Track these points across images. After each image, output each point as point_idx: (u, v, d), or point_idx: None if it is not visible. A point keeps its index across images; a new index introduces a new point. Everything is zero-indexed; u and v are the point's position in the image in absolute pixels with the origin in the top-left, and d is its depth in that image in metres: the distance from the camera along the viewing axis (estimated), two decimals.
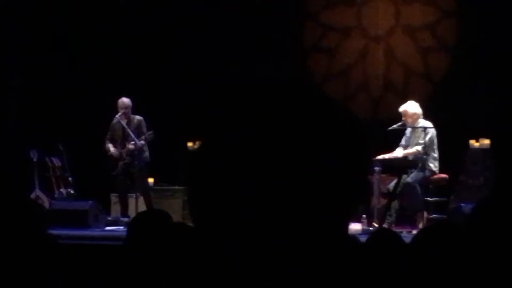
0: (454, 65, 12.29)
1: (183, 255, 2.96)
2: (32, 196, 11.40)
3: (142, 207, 10.64)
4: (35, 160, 11.83)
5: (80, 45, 13.09)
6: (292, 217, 1.14)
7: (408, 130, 10.34)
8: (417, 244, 2.74)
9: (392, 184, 9.99)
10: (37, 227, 3.43)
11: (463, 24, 12.27)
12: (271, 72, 12.00)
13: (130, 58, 12.85)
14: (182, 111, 12.40)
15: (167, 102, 12.65)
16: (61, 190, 12.02)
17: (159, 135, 10.89)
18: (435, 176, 10.19)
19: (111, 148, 10.94)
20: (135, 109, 11.07)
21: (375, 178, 9.84)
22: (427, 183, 10.16)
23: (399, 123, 10.22)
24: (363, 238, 3.93)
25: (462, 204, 9.30)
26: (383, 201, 10.05)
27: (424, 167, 10.01)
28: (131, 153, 10.82)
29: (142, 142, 10.79)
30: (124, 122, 10.88)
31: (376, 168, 9.82)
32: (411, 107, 10.23)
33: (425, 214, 10.03)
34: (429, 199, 10.22)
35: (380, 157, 10.09)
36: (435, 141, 10.16)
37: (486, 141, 10.61)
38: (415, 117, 10.18)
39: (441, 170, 10.25)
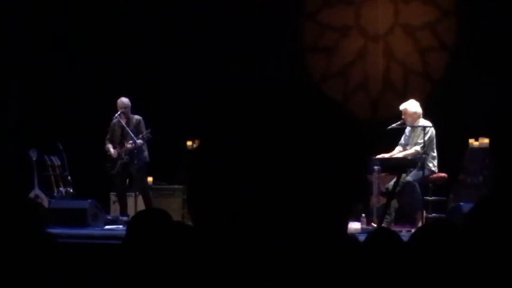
0: (453, 64, 12.29)
1: (182, 255, 2.96)
2: (32, 195, 11.41)
3: (141, 206, 10.65)
4: (34, 159, 11.83)
5: (79, 44, 13.09)
6: (291, 216, 1.15)
7: (408, 129, 10.34)
8: (414, 243, 2.74)
9: (391, 183, 9.99)
10: (36, 226, 3.43)
11: (462, 23, 12.27)
12: (270, 71, 12.00)
13: (130, 58, 12.85)
14: (181, 110, 12.40)
15: (166, 101, 12.64)
16: (60, 189, 12.03)
17: (158, 134, 10.90)
18: (434, 175, 10.19)
19: (111, 149, 10.96)
20: (135, 109, 11.07)
21: (374, 177, 9.84)
22: (426, 182, 10.16)
23: (399, 122, 10.21)
24: (362, 237, 3.93)
25: (461, 203, 9.30)
26: (382, 200, 10.05)
27: (423, 166, 10.00)
28: (130, 152, 10.83)
29: (141, 141, 10.80)
30: (123, 122, 10.90)
31: (376, 167, 9.82)
32: (411, 106, 10.22)
33: (424, 213, 10.03)
34: (428, 198, 10.22)
35: (379, 156, 10.09)
36: (434, 140, 10.16)
37: (485, 140, 10.61)
38: (415, 116, 10.18)
39: (440, 169, 10.25)
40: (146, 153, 10.98)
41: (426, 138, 10.03)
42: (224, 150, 1.17)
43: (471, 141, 10.69)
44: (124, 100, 10.97)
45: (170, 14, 12.98)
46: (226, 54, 12.63)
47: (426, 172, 10.06)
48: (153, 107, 11.88)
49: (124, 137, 10.93)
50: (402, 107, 10.25)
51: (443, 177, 10.26)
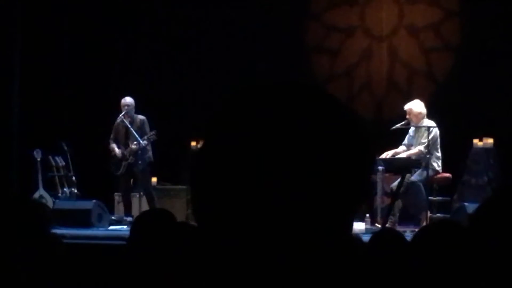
0: (457, 65, 12.29)
1: (186, 255, 2.96)
2: (36, 195, 11.42)
3: (146, 206, 10.65)
4: (38, 159, 11.85)
5: (84, 44, 13.09)
6: (295, 217, 1.15)
7: (412, 129, 10.33)
8: (417, 242, 2.74)
9: (395, 184, 9.99)
10: (40, 227, 3.44)
11: (466, 24, 12.27)
12: (274, 72, 12.00)
13: (134, 58, 12.87)
14: (185, 110, 12.41)
15: (170, 101, 12.65)
16: (64, 189, 12.04)
17: (163, 135, 10.91)
18: (439, 176, 10.18)
19: (116, 149, 10.97)
20: (139, 109, 11.08)
21: (378, 178, 9.84)
22: (431, 183, 10.15)
23: (403, 122, 10.20)
24: (366, 238, 3.93)
25: (465, 204, 9.29)
26: (387, 201, 10.05)
27: (427, 167, 10.00)
28: (134, 153, 10.84)
29: (145, 142, 10.81)
30: (127, 122, 10.90)
31: (380, 168, 9.82)
32: (416, 106, 10.21)
33: (429, 213, 10.02)
34: (432, 198, 10.21)
35: (384, 154, 10.08)
36: (438, 140, 10.15)
37: (490, 141, 10.60)
38: (420, 116, 10.17)
39: (445, 170, 10.24)
40: (150, 153, 10.99)
41: (429, 138, 10.02)
42: (228, 151, 1.17)
43: (475, 141, 10.68)
44: (128, 99, 10.98)
45: (175, 14, 12.99)
46: (231, 55, 12.64)
47: (431, 173, 10.05)
48: (157, 108, 11.89)
49: (128, 137, 10.94)
50: (406, 107, 10.24)
51: (447, 178, 10.25)
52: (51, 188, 11.91)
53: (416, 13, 12.58)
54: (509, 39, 11.77)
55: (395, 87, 12.64)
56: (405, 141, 10.38)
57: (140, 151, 10.81)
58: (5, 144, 12.72)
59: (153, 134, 10.79)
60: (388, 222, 9.76)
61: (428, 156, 10.01)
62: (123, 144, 10.98)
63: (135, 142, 10.79)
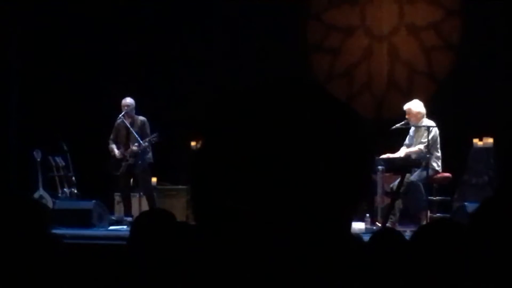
0: (458, 64, 12.28)
1: (186, 255, 2.96)
2: (36, 195, 11.41)
3: (146, 206, 10.66)
4: (38, 159, 11.85)
5: (84, 45, 13.09)
6: (295, 216, 1.14)
7: (412, 129, 10.33)
8: (416, 242, 2.74)
9: (395, 183, 9.99)
10: (40, 227, 3.43)
11: (466, 23, 12.26)
12: (274, 71, 12.00)
13: (134, 59, 12.86)
14: (185, 111, 12.41)
15: (170, 102, 12.65)
16: (64, 189, 12.04)
17: (162, 135, 10.90)
18: (439, 175, 10.18)
19: (115, 149, 10.96)
20: (139, 110, 11.08)
21: (378, 177, 9.84)
22: (431, 182, 10.14)
23: (403, 122, 10.21)
24: (366, 237, 3.93)
25: (466, 203, 9.29)
26: (387, 200, 10.04)
27: (427, 166, 9.99)
28: (134, 154, 10.83)
29: (147, 143, 10.80)
30: (127, 122, 10.90)
31: (380, 167, 9.82)
32: (415, 105, 10.22)
33: (429, 213, 10.01)
34: (432, 198, 10.21)
35: (384, 156, 10.09)
36: (438, 140, 10.15)
37: (490, 140, 10.60)
38: (419, 116, 10.17)
39: (445, 169, 10.23)
40: (150, 153, 10.99)
41: (429, 137, 10.02)
42: (227, 150, 1.17)
43: (476, 140, 10.68)
44: (128, 99, 10.98)
45: (175, 14, 12.98)
46: (231, 54, 12.64)
47: (431, 172, 10.05)
48: (157, 108, 11.89)
49: (129, 138, 10.93)
50: (406, 107, 10.24)
51: (447, 177, 10.25)
52: (51, 188, 11.91)
53: (416, 12, 12.58)
54: (509, 39, 11.76)
55: (395, 86, 12.63)
56: (406, 141, 10.39)
57: (140, 152, 10.81)
58: (5, 144, 12.73)
59: (155, 136, 10.79)
60: (388, 222, 9.76)
61: (428, 155, 10.01)
62: (124, 145, 10.97)
63: (136, 144, 10.78)
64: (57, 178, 12.13)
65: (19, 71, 13.12)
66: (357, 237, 3.66)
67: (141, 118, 11.01)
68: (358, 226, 9.16)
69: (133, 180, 11.11)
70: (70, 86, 13.06)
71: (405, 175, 9.88)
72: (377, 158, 9.81)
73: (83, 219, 10.45)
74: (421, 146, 10.07)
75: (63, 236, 6.84)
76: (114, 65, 12.89)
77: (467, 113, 11.61)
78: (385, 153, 10.16)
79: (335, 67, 12.90)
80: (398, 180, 9.95)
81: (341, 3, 12.92)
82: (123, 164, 10.90)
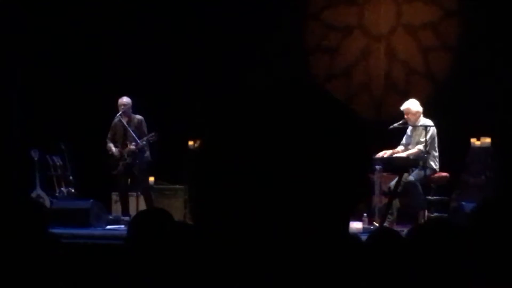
0: (455, 64, 12.29)
1: (184, 254, 2.96)
2: (33, 195, 11.41)
3: (143, 206, 10.66)
4: (36, 159, 11.85)
5: (81, 44, 13.09)
6: (293, 216, 1.14)
7: (409, 129, 10.35)
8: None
9: (393, 183, 9.99)
10: (38, 226, 3.43)
11: (464, 23, 12.27)
12: (273, 71, 12.01)
13: (132, 58, 12.86)
14: (183, 110, 12.41)
15: (168, 101, 12.65)
16: (62, 189, 12.03)
17: (160, 134, 10.90)
18: (436, 175, 10.19)
19: (113, 148, 10.96)
20: (136, 109, 11.08)
21: (376, 177, 9.84)
22: (428, 182, 10.16)
23: (401, 122, 10.22)
24: (364, 237, 3.93)
25: (463, 203, 9.30)
26: (384, 200, 10.05)
27: (425, 166, 10.01)
28: (132, 153, 10.83)
29: (144, 142, 10.80)
30: (124, 121, 10.90)
31: (377, 167, 9.83)
32: (413, 105, 10.24)
33: (426, 212, 10.03)
34: (430, 197, 10.22)
35: (381, 153, 10.10)
36: (436, 139, 10.17)
37: (487, 140, 10.61)
38: (417, 115, 10.20)
39: (442, 169, 10.25)
40: (148, 153, 10.99)
41: (427, 137, 10.04)
42: (226, 150, 1.17)
43: (473, 140, 10.69)
44: (125, 99, 10.98)
45: (173, 13, 12.98)
46: (229, 54, 12.64)
47: (428, 172, 10.06)
48: (155, 107, 11.89)
49: (126, 137, 10.93)
50: (403, 107, 10.26)
51: (445, 177, 10.26)
52: (48, 188, 11.91)
53: (414, 12, 12.58)
54: (507, 39, 11.77)
55: (393, 86, 12.64)
56: (403, 140, 10.40)
57: (138, 151, 10.81)
58: (3, 144, 12.72)
59: (153, 135, 10.79)
60: (386, 222, 9.77)
61: (426, 155, 10.03)
62: (121, 144, 10.97)
63: (133, 143, 10.78)
64: (54, 178, 12.13)
65: (18, 71, 13.12)
66: (354, 237, 3.67)
67: (138, 117, 11.01)
68: (355, 225, 9.16)
69: (130, 180, 11.11)
70: (67, 86, 13.06)
71: (402, 175, 9.88)
72: (375, 158, 9.82)
73: (80, 218, 10.45)
74: (420, 147, 10.08)
75: (60, 236, 6.84)
76: (112, 64, 12.88)
77: (465, 113, 11.61)
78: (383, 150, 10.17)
79: (333, 67, 12.91)
80: (396, 179, 9.96)
81: (339, 3, 12.92)
82: (121, 163, 10.90)
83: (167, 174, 11.77)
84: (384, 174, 10.06)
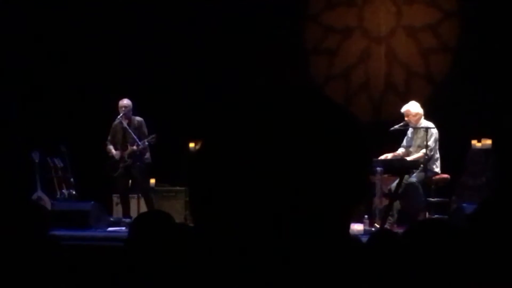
0: (455, 65, 12.28)
1: (184, 256, 2.96)
2: (34, 197, 11.41)
3: (144, 207, 10.66)
4: (37, 161, 11.84)
5: (82, 46, 13.09)
6: (293, 218, 1.15)
7: (410, 131, 10.35)
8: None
9: (393, 185, 9.99)
10: (39, 228, 3.43)
11: (464, 24, 12.27)
12: (272, 73, 12.00)
13: (132, 60, 12.86)
14: (183, 111, 12.40)
15: (168, 103, 12.65)
16: (63, 191, 12.03)
17: (161, 136, 10.90)
18: (437, 177, 10.19)
19: (113, 150, 10.95)
20: (137, 110, 11.07)
21: (377, 179, 9.83)
22: (429, 184, 10.15)
23: (401, 123, 10.22)
24: (365, 239, 3.93)
25: (464, 205, 9.29)
26: (385, 202, 10.04)
27: (425, 168, 10.00)
28: (132, 154, 10.83)
29: (145, 143, 10.79)
30: (125, 123, 10.89)
31: (378, 169, 9.82)
32: (413, 107, 10.23)
33: (427, 214, 10.01)
34: (430, 199, 10.21)
35: (383, 157, 10.09)
36: (437, 141, 10.17)
37: (488, 141, 10.60)
38: (417, 117, 10.19)
39: (443, 171, 10.24)
40: (148, 154, 10.98)
41: (431, 140, 10.04)
42: (226, 152, 1.17)
43: (474, 142, 10.68)
44: (126, 101, 10.97)
45: (172, 15, 12.98)
46: (229, 56, 12.64)
47: (429, 174, 10.05)
48: (155, 109, 11.88)
49: (126, 139, 10.92)
50: (403, 109, 10.25)
51: (445, 178, 10.25)
52: (49, 190, 11.90)
53: (414, 14, 12.58)
54: (507, 40, 11.77)
55: (393, 88, 12.63)
56: (404, 142, 10.39)
57: (138, 153, 10.80)
58: (3, 146, 12.72)
59: (153, 137, 10.78)
60: (387, 223, 9.76)
61: (426, 157, 10.03)
62: (121, 146, 10.96)
63: (135, 144, 10.77)
64: (55, 180, 12.12)
65: (18, 73, 13.11)
66: (355, 238, 3.67)
67: (138, 118, 11.00)
68: (356, 227, 9.16)
69: (131, 182, 11.10)
70: (68, 88, 13.06)
71: (403, 177, 9.88)
72: (375, 159, 9.81)
73: (81, 220, 10.45)
74: (426, 151, 10.05)
75: (61, 238, 6.85)
76: (112, 66, 12.88)
77: (465, 114, 11.61)
78: (383, 154, 10.16)
79: (333, 68, 12.90)
80: (397, 181, 9.95)
81: (338, 5, 12.92)
82: (121, 165, 10.90)
83: (168, 176, 11.76)
84: (385, 176, 10.05)
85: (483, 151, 10.62)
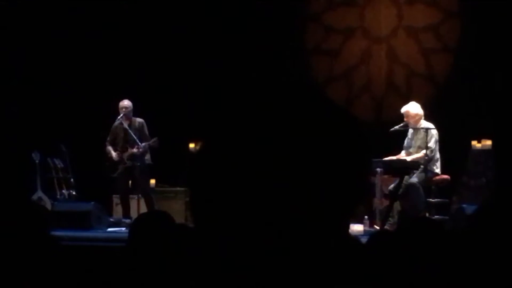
0: (456, 66, 12.28)
1: (185, 257, 2.96)
2: (35, 197, 11.41)
3: (144, 208, 10.65)
4: (37, 161, 11.84)
5: (82, 47, 13.09)
6: (293, 218, 1.15)
7: (410, 131, 10.35)
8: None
9: (394, 185, 9.99)
10: (39, 229, 3.43)
11: (465, 25, 12.26)
12: (273, 73, 12.00)
13: (132, 60, 12.86)
14: (183, 112, 12.40)
15: (168, 103, 12.65)
16: (63, 191, 12.03)
17: (161, 137, 10.89)
18: (437, 177, 10.19)
19: (112, 151, 10.93)
20: (137, 111, 11.07)
21: (377, 179, 9.84)
22: (429, 184, 10.15)
23: (401, 124, 10.22)
24: (364, 239, 3.93)
25: (464, 206, 9.30)
26: (385, 203, 10.04)
27: (426, 168, 10.00)
28: (132, 156, 10.81)
29: (145, 145, 10.78)
30: (125, 125, 10.88)
31: (378, 169, 9.82)
32: (413, 108, 10.23)
33: (427, 215, 10.01)
34: (431, 200, 10.20)
35: (387, 159, 10.10)
36: (437, 142, 10.17)
37: (488, 142, 10.60)
38: (417, 118, 10.19)
39: (443, 171, 10.24)
40: (148, 155, 10.98)
41: (432, 141, 10.04)
42: (226, 152, 1.17)
43: (474, 143, 10.68)
44: (126, 102, 10.96)
45: (173, 16, 12.98)
46: (230, 56, 12.63)
47: (429, 174, 10.05)
48: (155, 109, 11.88)
49: (126, 140, 10.91)
50: (403, 109, 10.26)
51: (446, 179, 10.25)
52: (49, 190, 11.91)
53: (415, 14, 12.58)
54: (508, 41, 11.77)
55: (394, 88, 12.63)
56: (405, 143, 10.39)
57: (138, 154, 10.80)
58: (4, 146, 12.72)
59: (155, 141, 10.76)
60: (387, 224, 9.76)
61: (426, 157, 10.03)
62: (121, 147, 10.95)
63: (136, 146, 10.76)
64: (55, 180, 12.13)
65: (18, 73, 13.12)
66: (355, 239, 3.66)
67: (139, 119, 10.99)
68: (356, 228, 9.16)
69: (131, 182, 11.10)
70: (68, 88, 13.06)
71: (403, 177, 9.88)
72: (376, 160, 9.82)
73: (81, 221, 10.45)
74: (427, 151, 10.05)
75: (61, 238, 6.85)
76: (112, 66, 12.88)
77: (465, 115, 11.61)
78: (384, 155, 10.17)
79: (334, 69, 12.90)
80: (397, 182, 9.95)
81: (339, 5, 12.92)
82: (120, 166, 10.89)
83: (168, 177, 11.77)
84: (385, 176, 10.05)
85: (483, 152, 10.62)
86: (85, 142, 12.22)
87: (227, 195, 1.16)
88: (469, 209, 8.67)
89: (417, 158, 10.12)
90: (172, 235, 3.19)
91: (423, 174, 9.99)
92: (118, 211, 11.51)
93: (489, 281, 2.44)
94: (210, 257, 1.19)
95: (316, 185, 1.14)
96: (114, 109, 11.02)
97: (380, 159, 10.00)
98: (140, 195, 11.10)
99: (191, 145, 11.25)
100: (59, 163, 12.15)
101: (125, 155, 10.87)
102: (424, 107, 10.32)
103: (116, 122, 10.98)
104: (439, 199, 10.33)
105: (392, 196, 9.92)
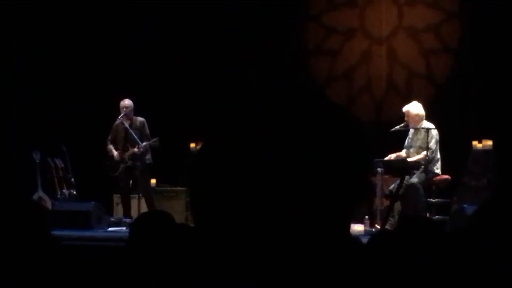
0: (456, 66, 12.28)
1: (185, 257, 2.96)
2: (35, 197, 11.41)
3: (145, 207, 10.66)
4: (37, 161, 11.84)
5: (83, 46, 13.09)
6: (293, 218, 1.15)
7: (411, 131, 10.35)
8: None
9: (394, 186, 9.98)
10: (39, 229, 3.43)
11: (465, 25, 12.26)
12: (273, 74, 12.00)
13: (133, 60, 12.86)
14: (184, 112, 12.41)
15: (169, 103, 12.65)
16: (63, 191, 12.03)
17: (161, 137, 10.89)
18: (438, 178, 10.18)
19: (113, 150, 10.94)
20: (138, 111, 11.07)
21: (378, 179, 9.84)
22: (430, 185, 10.15)
23: (402, 124, 10.22)
24: (365, 239, 3.93)
25: (465, 206, 9.29)
26: (386, 203, 10.04)
27: (426, 169, 10.00)
28: (133, 156, 10.81)
29: (146, 144, 10.77)
30: (126, 124, 10.89)
31: (379, 169, 9.82)
32: (414, 108, 10.23)
33: (427, 215, 10.01)
34: (431, 200, 10.20)
35: (387, 158, 10.10)
36: (438, 142, 10.17)
37: (489, 142, 10.60)
38: (417, 118, 10.18)
39: (444, 172, 10.24)
40: (149, 155, 10.98)
41: (433, 142, 10.04)
42: (227, 152, 1.17)
43: (475, 143, 10.68)
44: (127, 101, 10.97)
45: (174, 16, 12.98)
46: (230, 57, 12.63)
47: (430, 175, 10.05)
48: (156, 109, 11.88)
49: (127, 139, 10.91)
50: (404, 109, 10.26)
51: (446, 179, 10.25)
52: (50, 190, 11.90)
53: (415, 15, 12.58)
54: (508, 41, 11.76)
55: (395, 88, 12.64)
56: (406, 143, 10.39)
57: (139, 154, 10.80)
58: (4, 145, 12.72)
59: (156, 141, 10.76)
60: (387, 224, 9.76)
61: (427, 158, 10.03)
62: (122, 146, 10.95)
63: (137, 145, 10.76)
64: (56, 180, 12.12)
65: (19, 72, 13.12)
66: (356, 239, 3.66)
67: (140, 118, 10.99)
68: (357, 228, 9.16)
69: (132, 182, 11.10)
70: (69, 87, 13.06)
71: (404, 177, 9.88)
72: (376, 160, 9.82)
73: (82, 220, 10.45)
74: (427, 152, 10.05)
75: (62, 238, 6.84)
76: (113, 66, 12.88)
77: (466, 115, 11.61)
78: (384, 155, 10.17)
79: (335, 69, 12.90)
80: (397, 182, 9.95)
81: (340, 6, 12.92)
82: (121, 166, 10.89)
83: (169, 176, 11.77)
84: (386, 176, 10.05)
85: (484, 152, 10.61)
86: (86, 141, 12.22)
87: (228, 195, 1.16)
88: (469, 209, 8.67)
89: (418, 159, 10.12)
90: (172, 235, 3.19)
91: (423, 175, 9.99)
92: (118, 210, 11.52)
93: (489, 281, 2.44)
94: (211, 257, 1.18)
95: (317, 185, 1.14)
96: (115, 109, 11.02)
97: (381, 159, 10.01)
98: (140, 195, 11.10)
99: (192, 145, 11.25)
100: (59, 163, 12.14)
101: (126, 154, 10.87)
102: (424, 107, 10.31)
103: (117, 122, 10.98)
104: (439, 200, 10.33)
105: (393, 196, 9.92)
